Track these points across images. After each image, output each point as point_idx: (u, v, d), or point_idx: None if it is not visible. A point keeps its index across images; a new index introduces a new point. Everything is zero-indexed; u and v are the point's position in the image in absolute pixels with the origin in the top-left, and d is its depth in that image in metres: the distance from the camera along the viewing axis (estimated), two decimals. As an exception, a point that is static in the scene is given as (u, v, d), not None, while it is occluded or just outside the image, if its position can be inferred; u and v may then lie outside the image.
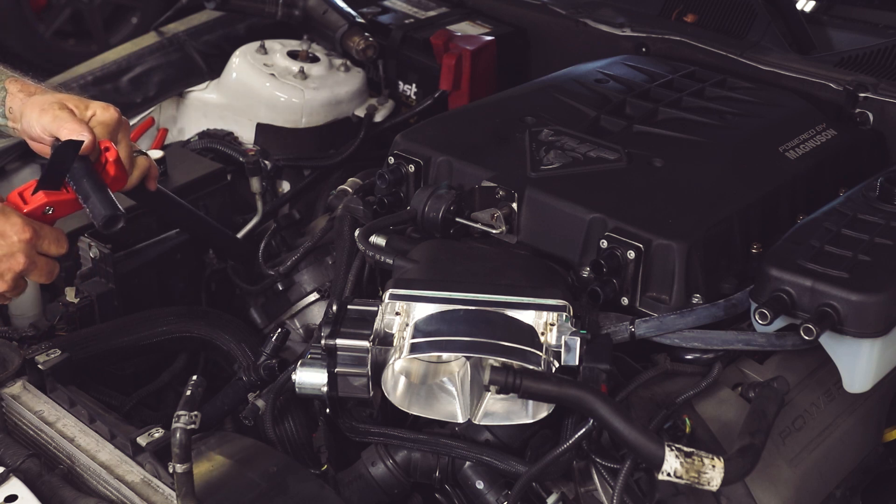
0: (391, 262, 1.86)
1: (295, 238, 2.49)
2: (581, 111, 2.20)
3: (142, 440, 1.61)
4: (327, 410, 1.76)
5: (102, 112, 1.81)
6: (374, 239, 1.92)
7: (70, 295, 2.11)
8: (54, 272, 1.73)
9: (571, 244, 1.87)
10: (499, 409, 1.64)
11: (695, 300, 1.79)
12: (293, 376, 1.71)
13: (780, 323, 1.67)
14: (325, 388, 1.68)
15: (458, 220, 1.93)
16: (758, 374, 1.76)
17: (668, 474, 1.43)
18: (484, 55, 2.73)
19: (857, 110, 2.32)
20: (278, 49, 2.77)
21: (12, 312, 2.10)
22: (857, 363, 1.63)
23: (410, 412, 1.66)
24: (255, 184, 2.52)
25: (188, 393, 1.46)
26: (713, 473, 1.43)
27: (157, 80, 2.79)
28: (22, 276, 1.68)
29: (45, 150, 1.83)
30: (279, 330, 2.00)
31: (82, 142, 1.72)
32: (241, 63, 2.72)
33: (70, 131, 1.74)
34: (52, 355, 1.80)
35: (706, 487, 1.44)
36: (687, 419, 1.61)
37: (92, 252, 2.14)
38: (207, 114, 2.78)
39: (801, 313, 1.63)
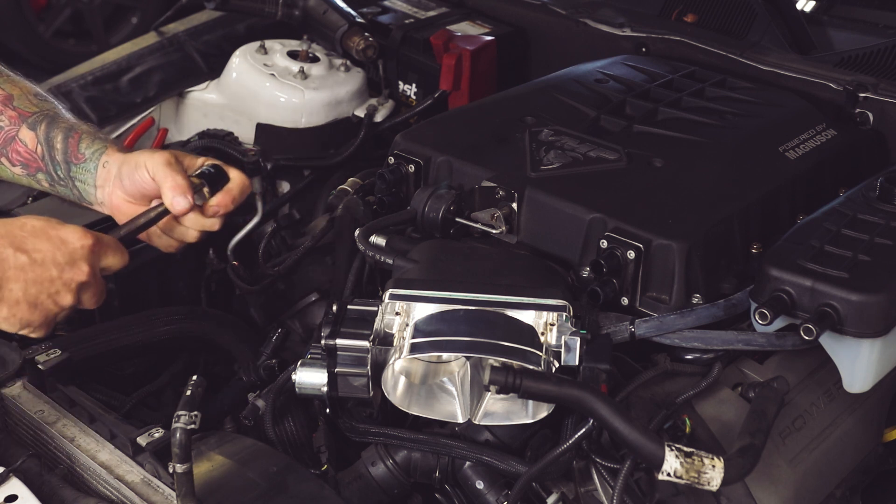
0: (391, 262, 1.86)
1: (295, 238, 2.49)
2: (581, 111, 2.20)
3: (142, 440, 1.61)
4: (327, 410, 1.76)
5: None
6: (374, 239, 1.92)
7: (70, 295, 2.10)
8: (104, 294, 1.66)
9: (571, 244, 1.87)
10: (499, 409, 1.64)
11: (695, 300, 1.79)
12: (293, 376, 1.71)
13: (780, 323, 1.67)
14: (325, 388, 1.68)
15: (458, 220, 1.93)
16: (758, 374, 1.76)
17: (668, 474, 1.43)
18: (484, 55, 2.73)
19: (857, 110, 2.31)
20: (278, 49, 2.77)
21: (12, 312, 2.09)
22: (857, 363, 1.63)
23: (410, 412, 1.66)
24: (255, 184, 2.51)
25: (188, 393, 1.45)
26: (713, 473, 1.43)
27: (157, 80, 2.79)
28: (81, 290, 1.60)
29: (128, 213, 1.83)
30: (279, 330, 1.99)
31: (167, 212, 1.77)
32: (241, 63, 2.72)
33: (172, 189, 1.76)
34: (52, 355, 1.80)
35: (706, 487, 1.44)
36: (687, 419, 1.61)
37: (92, 252, 2.13)
38: (207, 114, 2.78)
39: (801, 313, 1.63)
